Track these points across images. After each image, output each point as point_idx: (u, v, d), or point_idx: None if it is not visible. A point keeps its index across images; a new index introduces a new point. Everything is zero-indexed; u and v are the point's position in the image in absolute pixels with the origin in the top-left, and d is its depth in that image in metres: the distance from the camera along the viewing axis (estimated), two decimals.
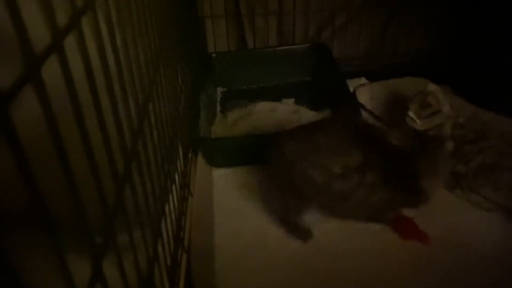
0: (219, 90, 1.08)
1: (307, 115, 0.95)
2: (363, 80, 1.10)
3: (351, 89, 1.03)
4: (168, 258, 0.48)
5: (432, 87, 0.88)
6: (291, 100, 1.01)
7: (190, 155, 0.77)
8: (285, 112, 0.96)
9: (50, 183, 0.22)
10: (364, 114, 0.93)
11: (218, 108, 1.02)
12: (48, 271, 0.20)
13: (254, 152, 0.81)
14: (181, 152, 0.66)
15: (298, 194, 0.64)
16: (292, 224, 0.69)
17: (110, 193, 0.28)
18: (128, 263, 0.31)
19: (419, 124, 0.85)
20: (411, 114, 0.85)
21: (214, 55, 1.07)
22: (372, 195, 0.61)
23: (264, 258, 0.66)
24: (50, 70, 0.19)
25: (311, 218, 0.67)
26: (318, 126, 0.67)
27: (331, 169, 0.60)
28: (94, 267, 0.24)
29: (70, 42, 0.21)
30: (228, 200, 0.76)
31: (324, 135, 0.63)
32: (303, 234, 0.69)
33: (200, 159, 0.83)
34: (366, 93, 1.03)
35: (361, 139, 0.62)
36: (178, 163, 0.63)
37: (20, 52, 0.17)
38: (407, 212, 0.69)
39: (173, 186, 0.55)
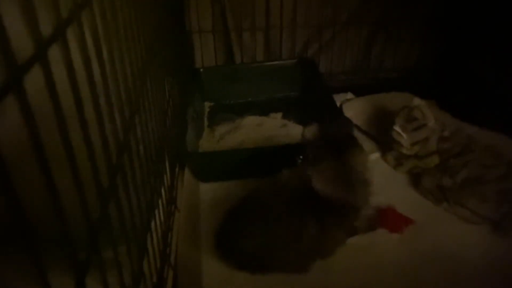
0: (207, 104, 1.08)
1: (295, 129, 0.96)
2: (349, 95, 1.11)
3: (338, 104, 1.04)
4: (154, 275, 0.47)
5: (417, 101, 0.89)
6: (279, 114, 1.02)
7: (177, 169, 0.77)
8: (273, 126, 0.97)
9: (32, 196, 0.21)
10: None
11: (206, 123, 1.02)
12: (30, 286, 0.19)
13: (242, 166, 0.81)
14: (168, 167, 0.65)
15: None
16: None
17: (95, 207, 0.27)
18: (112, 279, 0.30)
19: (405, 138, 0.86)
20: (397, 128, 0.86)
21: (201, 69, 1.07)
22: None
23: (252, 274, 0.65)
24: (34, 80, 0.19)
25: None
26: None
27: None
28: (77, 283, 0.23)
29: (54, 53, 0.21)
30: (216, 215, 0.76)
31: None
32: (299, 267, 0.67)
33: (187, 174, 0.82)
34: (352, 108, 1.04)
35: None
36: (165, 177, 0.62)
37: (1, 61, 0.16)
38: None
39: (160, 201, 0.55)
